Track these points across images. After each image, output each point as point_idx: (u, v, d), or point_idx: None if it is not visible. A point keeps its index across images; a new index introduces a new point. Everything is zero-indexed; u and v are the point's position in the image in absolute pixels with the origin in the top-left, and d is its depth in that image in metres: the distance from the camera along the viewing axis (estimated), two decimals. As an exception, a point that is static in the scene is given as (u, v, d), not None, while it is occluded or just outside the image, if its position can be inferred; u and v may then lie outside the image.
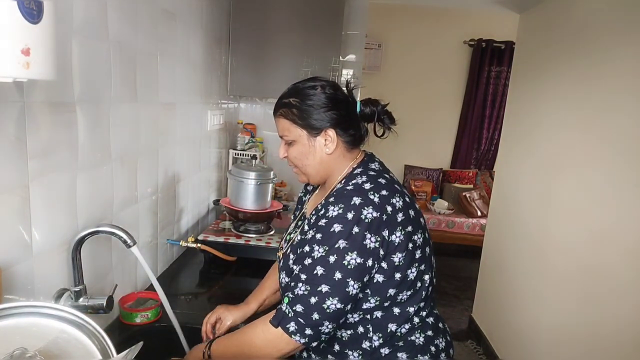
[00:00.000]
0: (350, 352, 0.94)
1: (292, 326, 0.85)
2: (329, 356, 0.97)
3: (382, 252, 0.87)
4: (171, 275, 1.54)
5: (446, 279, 3.87)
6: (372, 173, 0.96)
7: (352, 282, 0.85)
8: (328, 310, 0.84)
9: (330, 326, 0.86)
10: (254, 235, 1.71)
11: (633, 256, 1.57)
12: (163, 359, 1.15)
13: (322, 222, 0.89)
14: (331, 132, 0.96)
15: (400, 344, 0.95)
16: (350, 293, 0.85)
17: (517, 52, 2.76)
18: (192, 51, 1.68)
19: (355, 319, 0.94)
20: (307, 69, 2.21)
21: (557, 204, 2.07)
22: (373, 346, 0.93)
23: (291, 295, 0.87)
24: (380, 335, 0.93)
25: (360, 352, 0.94)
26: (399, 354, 0.94)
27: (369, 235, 0.85)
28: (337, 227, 0.86)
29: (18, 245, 0.80)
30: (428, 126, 4.78)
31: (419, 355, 0.95)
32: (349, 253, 0.85)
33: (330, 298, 0.84)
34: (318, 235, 0.88)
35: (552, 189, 2.13)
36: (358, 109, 1.02)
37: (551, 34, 2.29)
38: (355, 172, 0.97)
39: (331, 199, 0.91)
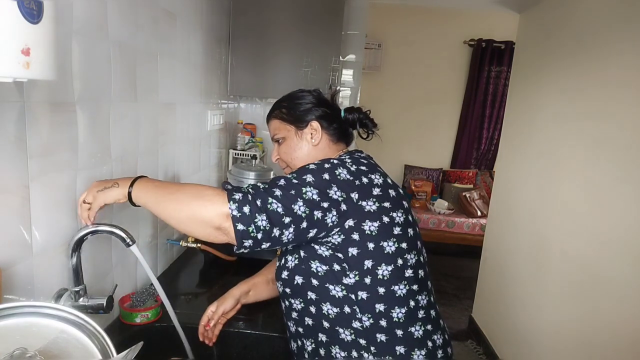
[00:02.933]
0: (341, 330, 0.94)
1: (237, 195, 0.86)
2: (320, 334, 0.96)
3: (343, 207, 0.90)
4: (171, 275, 1.54)
5: (446, 279, 3.87)
6: (356, 157, 1.03)
7: (301, 204, 0.87)
8: (269, 207, 0.86)
9: (264, 222, 0.85)
10: (254, 235, 1.70)
11: (633, 255, 1.57)
12: (163, 359, 1.15)
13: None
14: (315, 124, 1.07)
15: (400, 333, 0.94)
16: (295, 210, 0.86)
17: (517, 52, 2.76)
18: (192, 51, 1.67)
19: (339, 294, 0.93)
20: (307, 69, 2.21)
21: (557, 203, 2.07)
22: (364, 326, 0.93)
23: (252, 184, 0.92)
24: (370, 315, 0.93)
25: (352, 331, 0.94)
26: (397, 347, 0.94)
27: (335, 189, 0.90)
28: (311, 166, 0.94)
29: (18, 245, 0.80)
30: (428, 126, 4.78)
31: (416, 349, 0.95)
32: (311, 188, 0.89)
33: (276, 202, 0.86)
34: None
35: (552, 188, 2.13)
36: (342, 115, 1.11)
37: (551, 34, 2.29)
38: (341, 155, 1.05)
39: None
